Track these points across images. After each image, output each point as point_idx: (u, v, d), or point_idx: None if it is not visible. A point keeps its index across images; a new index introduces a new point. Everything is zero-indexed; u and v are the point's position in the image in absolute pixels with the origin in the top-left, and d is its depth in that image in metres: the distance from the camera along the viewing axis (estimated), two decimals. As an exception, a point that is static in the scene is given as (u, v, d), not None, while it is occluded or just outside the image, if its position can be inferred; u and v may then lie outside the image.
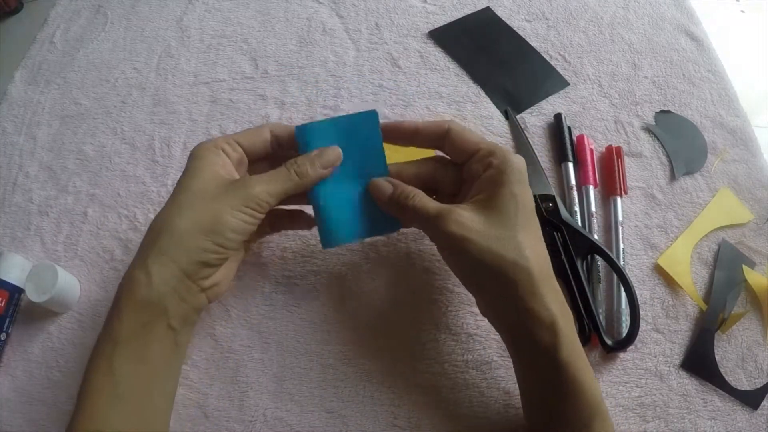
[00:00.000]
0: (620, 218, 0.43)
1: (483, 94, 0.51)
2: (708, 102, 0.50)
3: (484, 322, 0.39)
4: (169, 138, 0.49)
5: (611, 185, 0.44)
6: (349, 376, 0.37)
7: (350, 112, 0.35)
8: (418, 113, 0.50)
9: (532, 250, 0.30)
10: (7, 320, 0.39)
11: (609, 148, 0.46)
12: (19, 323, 0.40)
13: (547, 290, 0.29)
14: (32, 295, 0.38)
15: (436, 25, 0.56)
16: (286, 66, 0.54)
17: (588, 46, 0.54)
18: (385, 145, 0.35)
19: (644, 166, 0.46)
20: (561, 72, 0.52)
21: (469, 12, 0.57)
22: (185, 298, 0.30)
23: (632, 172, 0.46)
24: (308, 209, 0.36)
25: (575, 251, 0.39)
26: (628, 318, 0.38)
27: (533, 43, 0.54)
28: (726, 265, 0.41)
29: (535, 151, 0.46)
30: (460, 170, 0.35)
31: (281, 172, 0.32)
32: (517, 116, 0.49)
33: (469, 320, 0.39)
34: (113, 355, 0.28)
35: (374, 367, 0.37)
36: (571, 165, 0.45)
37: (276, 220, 0.37)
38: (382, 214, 0.35)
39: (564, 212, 0.41)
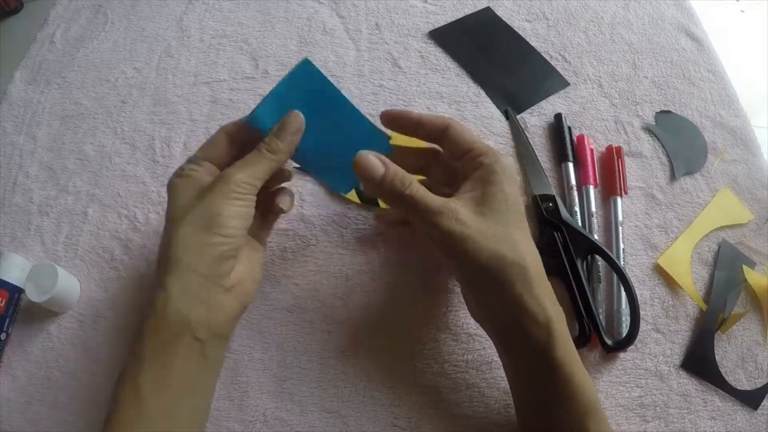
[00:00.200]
0: (620, 218, 0.43)
1: (483, 94, 0.51)
2: (708, 102, 0.50)
3: (484, 322, 0.39)
4: (170, 138, 0.49)
5: (611, 185, 0.44)
6: (349, 376, 0.37)
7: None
8: (419, 113, 0.50)
9: (526, 248, 0.30)
10: (7, 320, 0.39)
11: (609, 148, 0.46)
12: (19, 323, 0.40)
13: (541, 289, 0.30)
14: (32, 295, 0.38)
15: (437, 25, 0.56)
16: (287, 66, 0.54)
17: (588, 46, 0.54)
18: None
19: (644, 166, 0.46)
20: (561, 72, 0.52)
21: (470, 12, 0.57)
22: (209, 303, 0.29)
23: (632, 172, 0.46)
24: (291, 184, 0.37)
25: (575, 251, 0.39)
26: (628, 318, 0.38)
27: (533, 43, 0.54)
28: (726, 265, 0.41)
29: (535, 151, 0.47)
30: (448, 168, 0.35)
31: (254, 155, 0.32)
32: (518, 116, 0.49)
33: (469, 320, 0.39)
34: (138, 375, 0.28)
35: (374, 367, 0.37)
36: (571, 165, 0.45)
37: (269, 204, 0.37)
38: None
39: (564, 212, 0.41)
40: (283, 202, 0.36)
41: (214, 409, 0.36)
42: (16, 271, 0.41)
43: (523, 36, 0.55)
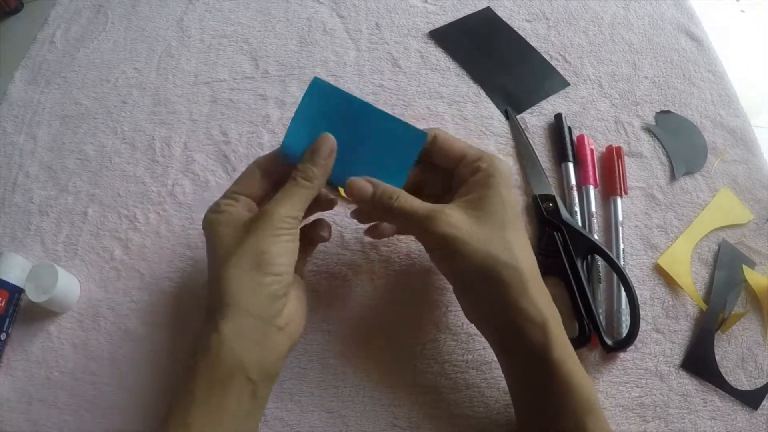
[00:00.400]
0: (620, 218, 0.43)
1: (483, 94, 0.51)
2: (708, 102, 0.50)
3: (484, 322, 0.39)
4: (170, 138, 0.49)
5: (611, 185, 0.44)
6: (349, 376, 0.37)
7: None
8: (419, 113, 0.50)
9: (521, 251, 0.30)
10: (7, 320, 0.39)
11: (609, 148, 0.46)
12: (19, 323, 0.40)
13: (536, 290, 0.30)
14: (32, 295, 0.38)
15: (437, 25, 0.56)
16: (287, 66, 0.54)
17: (588, 46, 0.54)
18: None
19: (644, 166, 0.46)
20: (561, 72, 0.52)
21: (470, 12, 0.57)
22: (264, 343, 0.29)
23: (632, 172, 0.46)
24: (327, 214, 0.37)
25: (575, 251, 0.39)
26: (628, 318, 0.38)
27: (533, 43, 0.54)
28: (726, 265, 0.41)
29: (535, 151, 0.47)
30: (445, 176, 0.35)
31: (291, 185, 0.32)
32: (518, 116, 0.49)
33: (469, 320, 0.39)
34: (188, 414, 0.27)
35: (374, 367, 0.37)
36: (571, 165, 0.45)
37: (307, 235, 0.37)
38: (398, 157, 0.33)
39: (564, 212, 0.41)
40: (323, 230, 0.37)
41: (214, 409, 0.36)
42: (16, 271, 0.41)
43: (523, 36, 0.55)
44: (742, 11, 1.70)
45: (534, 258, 0.31)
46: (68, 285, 0.40)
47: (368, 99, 0.51)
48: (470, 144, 0.34)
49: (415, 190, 0.34)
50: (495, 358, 0.37)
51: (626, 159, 0.46)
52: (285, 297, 0.31)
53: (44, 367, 0.39)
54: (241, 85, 0.52)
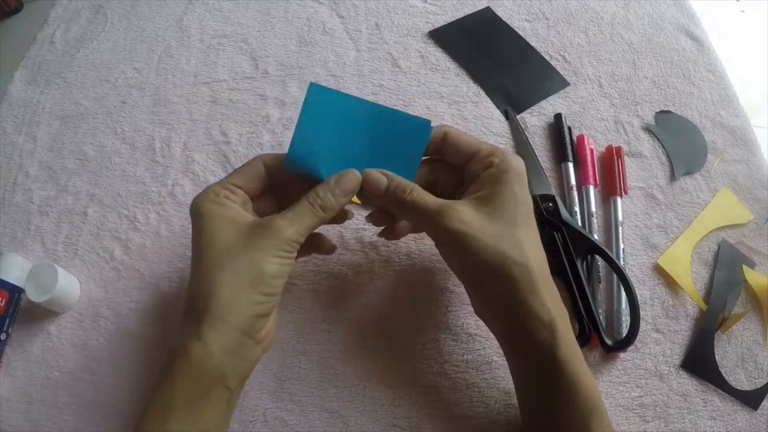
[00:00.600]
0: (620, 218, 0.43)
1: (483, 94, 0.51)
2: (708, 102, 0.50)
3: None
4: (169, 138, 0.49)
5: (611, 185, 0.44)
6: (349, 376, 0.37)
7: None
8: (419, 113, 0.50)
9: (531, 248, 0.30)
10: (7, 320, 0.39)
11: (609, 148, 0.46)
12: (19, 323, 0.40)
13: (545, 289, 0.29)
14: (32, 295, 0.38)
15: (436, 25, 0.56)
16: (287, 66, 0.54)
17: (588, 46, 0.54)
18: None
19: (644, 166, 0.46)
20: (561, 72, 0.52)
21: (469, 12, 0.57)
22: (244, 356, 0.29)
23: (632, 172, 0.46)
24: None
25: (575, 251, 0.39)
26: (628, 318, 0.38)
27: (533, 43, 0.54)
28: (726, 265, 0.41)
29: (535, 151, 0.47)
30: (458, 172, 0.34)
31: (306, 209, 0.31)
32: (517, 116, 0.49)
33: (469, 320, 0.39)
34: (166, 422, 0.27)
35: (374, 367, 0.37)
36: (571, 165, 0.45)
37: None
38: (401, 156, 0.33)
39: (564, 212, 0.41)
40: (325, 246, 0.37)
41: (214, 409, 0.36)
42: (16, 271, 0.41)
43: (523, 36, 0.55)
44: (742, 11, 1.70)
45: (544, 256, 0.31)
46: (68, 285, 0.40)
47: (368, 99, 0.51)
48: (481, 140, 0.34)
49: (427, 189, 0.33)
50: (495, 358, 0.38)
51: (626, 159, 0.46)
52: (269, 317, 0.31)
53: (44, 367, 0.39)
54: (241, 85, 0.52)
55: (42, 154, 0.49)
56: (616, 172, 0.44)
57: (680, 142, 0.47)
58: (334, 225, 0.43)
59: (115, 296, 0.41)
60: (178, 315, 0.40)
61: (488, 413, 0.36)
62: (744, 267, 0.41)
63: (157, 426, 0.27)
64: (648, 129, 0.48)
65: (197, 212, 0.31)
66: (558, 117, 0.48)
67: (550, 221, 0.41)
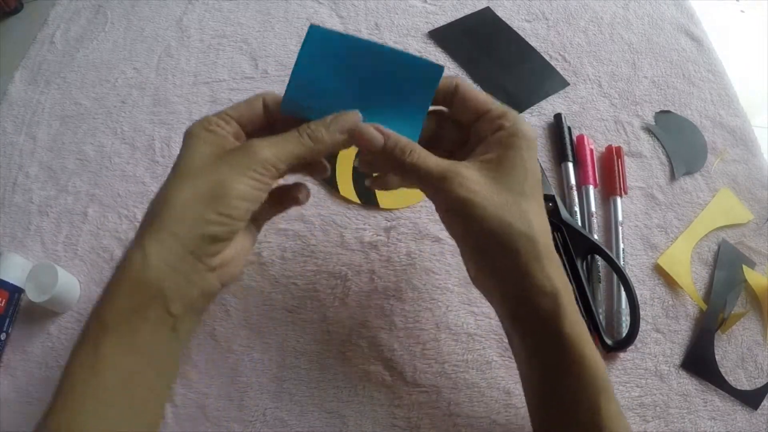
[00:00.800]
0: (620, 218, 0.43)
1: (483, 94, 0.51)
2: (708, 102, 0.50)
3: (484, 322, 0.39)
4: (169, 138, 0.49)
5: (611, 185, 0.44)
6: (348, 377, 0.37)
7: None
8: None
9: (537, 219, 0.29)
10: (7, 320, 0.39)
11: (609, 148, 0.46)
12: (19, 323, 0.40)
13: (549, 262, 0.28)
14: (32, 295, 0.38)
15: (436, 25, 0.56)
16: (286, 66, 0.54)
17: (588, 46, 0.54)
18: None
19: (644, 166, 0.46)
20: (561, 72, 0.52)
21: (469, 12, 0.57)
22: (188, 278, 0.27)
23: (632, 172, 0.46)
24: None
25: (575, 251, 0.39)
26: (628, 318, 0.38)
27: (533, 43, 0.54)
28: (726, 265, 0.41)
29: (535, 151, 0.46)
30: (464, 130, 0.32)
31: (292, 135, 0.29)
32: (517, 116, 0.49)
33: (469, 320, 0.39)
34: (100, 342, 0.25)
35: (374, 368, 0.37)
36: (571, 165, 0.45)
37: (281, 195, 0.34)
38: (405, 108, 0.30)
39: (564, 212, 0.41)
40: (300, 192, 0.34)
41: (214, 408, 0.36)
42: (16, 271, 0.41)
43: (523, 36, 0.55)
44: (742, 11, 1.70)
45: (549, 228, 0.30)
46: (68, 285, 0.40)
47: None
48: (494, 99, 0.31)
49: (428, 143, 0.31)
50: (495, 358, 0.37)
51: (626, 159, 0.46)
52: (227, 242, 0.28)
53: (44, 367, 0.39)
54: (241, 85, 0.52)
55: (42, 154, 0.49)
56: (616, 172, 0.44)
57: (680, 142, 0.47)
58: (334, 222, 0.43)
59: (115, 296, 0.41)
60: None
61: (488, 413, 0.36)
62: (744, 267, 0.41)
63: (91, 347, 0.25)
64: (648, 129, 0.48)
65: (186, 135, 0.29)
66: (558, 117, 0.48)
67: (550, 221, 0.40)
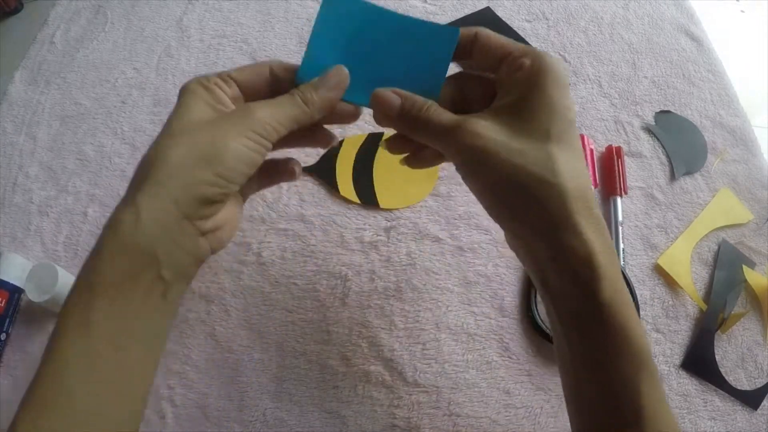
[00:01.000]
0: (620, 218, 0.43)
1: (483, 94, 0.51)
2: (708, 102, 0.50)
3: (484, 322, 0.39)
4: (169, 138, 0.49)
5: (611, 185, 0.44)
6: (348, 376, 0.37)
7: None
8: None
9: (566, 166, 0.24)
10: (7, 320, 0.39)
11: (609, 148, 0.46)
12: (19, 323, 0.40)
13: (584, 218, 0.24)
14: (32, 295, 0.38)
15: (436, 25, 0.56)
16: (286, 66, 0.53)
17: (588, 46, 0.54)
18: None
19: (644, 166, 0.46)
20: (561, 72, 0.52)
21: (469, 12, 0.57)
22: (180, 242, 0.25)
23: (632, 172, 0.46)
24: (298, 154, 0.36)
25: (575, 251, 0.39)
26: (628, 318, 0.38)
27: (533, 43, 0.54)
28: (726, 265, 0.41)
29: (535, 151, 0.46)
30: (489, 84, 0.29)
31: (286, 98, 0.28)
32: (517, 116, 0.49)
33: (469, 320, 0.39)
34: (90, 306, 0.24)
35: (374, 368, 0.37)
36: (571, 165, 0.45)
37: (272, 168, 0.33)
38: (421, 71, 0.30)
39: (564, 212, 0.41)
40: (294, 164, 0.33)
41: (215, 409, 0.36)
42: (16, 271, 0.41)
43: (523, 36, 0.55)
44: (742, 11, 1.70)
45: (586, 177, 0.26)
46: (68, 285, 0.40)
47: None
48: (517, 43, 0.28)
49: (454, 108, 0.28)
50: (495, 358, 0.37)
51: (626, 159, 0.46)
52: (220, 204, 0.27)
53: (44, 368, 0.39)
54: (241, 85, 0.52)
55: (42, 154, 0.49)
56: (616, 172, 0.44)
57: (680, 142, 0.47)
58: (334, 222, 0.43)
59: (115, 296, 0.41)
60: (178, 314, 0.40)
61: (488, 413, 0.36)
62: (744, 267, 0.41)
63: (79, 311, 0.24)
64: (648, 129, 0.48)
65: (182, 91, 0.28)
66: (558, 117, 0.48)
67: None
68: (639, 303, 0.37)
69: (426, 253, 0.42)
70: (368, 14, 0.30)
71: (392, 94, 0.28)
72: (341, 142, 0.47)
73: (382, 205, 0.44)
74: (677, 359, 0.38)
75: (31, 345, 0.40)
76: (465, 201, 0.44)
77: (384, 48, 0.30)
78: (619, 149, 0.46)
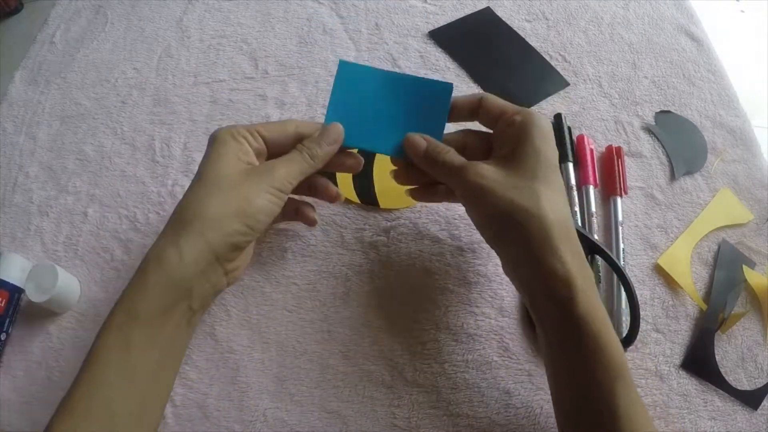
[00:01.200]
0: (620, 218, 0.43)
1: (483, 94, 0.51)
2: (708, 102, 0.50)
3: (484, 322, 0.39)
4: (169, 138, 0.49)
5: (611, 185, 0.44)
6: (348, 377, 0.37)
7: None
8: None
9: (549, 202, 0.29)
10: (7, 320, 0.39)
11: (609, 148, 0.46)
12: (19, 323, 0.40)
13: (562, 244, 0.28)
14: (32, 295, 0.38)
15: (436, 25, 0.56)
16: (286, 66, 0.54)
17: (588, 46, 0.54)
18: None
19: (644, 166, 0.46)
20: (561, 72, 0.52)
21: (469, 12, 0.57)
22: (211, 279, 0.31)
23: (632, 172, 0.46)
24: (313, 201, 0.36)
25: (575, 251, 0.39)
26: (628, 318, 0.38)
27: (533, 43, 0.54)
28: (726, 265, 0.41)
29: (535, 151, 0.46)
30: (488, 138, 0.35)
31: (296, 155, 0.33)
32: (517, 116, 0.49)
33: (469, 320, 0.39)
34: (131, 331, 0.28)
35: (374, 368, 0.37)
36: (571, 165, 0.45)
37: (288, 209, 0.39)
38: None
39: (564, 212, 0.41)
40: (308, 215, 0.39)
41: (215, 409, 0.36)
42: (16, 271, 0.41)
43: (523, 36, 0.55)
44: (742, 11, 1.70)
45: (567, 212, 0.30)
46: (68, 285, 0.40)
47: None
48: (513, 104, 0.34)
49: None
50: (495, 358, 0.37)
51: (626, 159, 0.46)
52: (243, 250, 0.32)
53: (44, 367, 0.39)
54: (241, 85, 0.52)
55: (42, 154, 0.49)
56: (616, 172, 0.44)
57: (680, 142, 0.47)
58: (334, 222, 0.43)
59: (115, 296, 0.40)
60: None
61: (488, 413, 0.36)
62: (744, 267, 0.41)
63: (121, 333, 0.28)
64: (648, 129, 0.48)
65: (214, 137, 0.33)
66: (558, 117, 0.48)
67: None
68: (639, 303, 0.37)
69: (426, 253, 0.42)
70: (375, 77, 0.36)
71: (420, 139, 0.34)
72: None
73: (382, 205, 0.44)
74: (677, 359, 0.38)
75: (31, 345, 0.40)
76: (465, 201, 0.44)
77: (393, 104, 0.36)
78: (619, 149, 0.46)
